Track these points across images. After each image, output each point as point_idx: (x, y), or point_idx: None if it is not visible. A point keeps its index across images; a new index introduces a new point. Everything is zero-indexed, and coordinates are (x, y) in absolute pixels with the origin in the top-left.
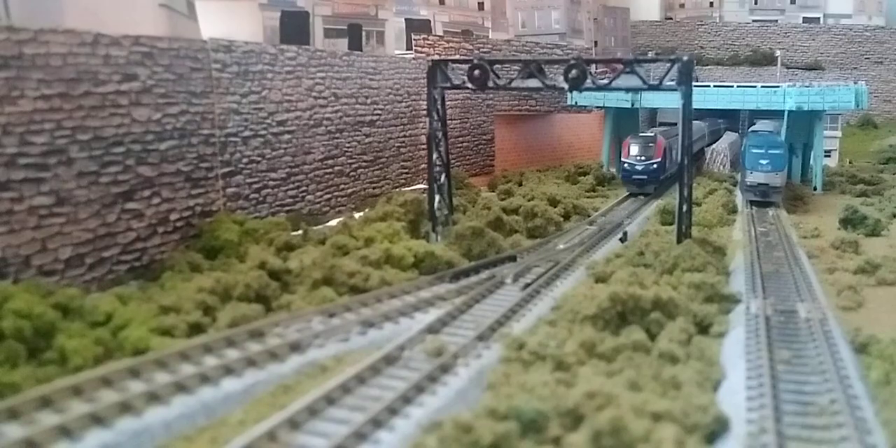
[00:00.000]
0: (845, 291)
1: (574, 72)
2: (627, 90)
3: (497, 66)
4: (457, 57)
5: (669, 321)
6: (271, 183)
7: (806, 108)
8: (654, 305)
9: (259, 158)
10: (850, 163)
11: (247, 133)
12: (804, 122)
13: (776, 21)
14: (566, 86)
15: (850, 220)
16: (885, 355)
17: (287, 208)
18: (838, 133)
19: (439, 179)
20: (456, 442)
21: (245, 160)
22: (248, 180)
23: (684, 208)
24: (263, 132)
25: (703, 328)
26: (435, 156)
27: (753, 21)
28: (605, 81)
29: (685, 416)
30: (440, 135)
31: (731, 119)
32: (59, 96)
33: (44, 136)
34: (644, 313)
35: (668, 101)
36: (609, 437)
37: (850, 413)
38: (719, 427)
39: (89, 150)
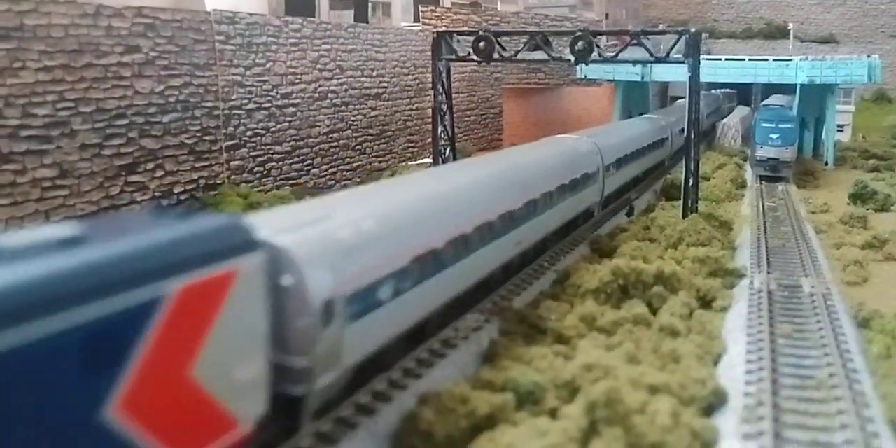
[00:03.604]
0: (851, 266)
1: (580, 44)
2: (634, 62)
3: (503, 38)
4: (462, 29)
5: (672, 295)
6: (276, 156)
7: (818, 82)
8: (657, 279)
9: (263, 131)
10: (863, 137)
11: (251, 106)
12: (817, 96)
13: None
14: (572, 58)
15: (860, 195)
16: (887, 330)
17: (292, 182)
18: (851, 107)
19: (444, 153)
20: (452, 413)
21: (249, 133)
22: (253, 153)
23: (690, 183)
24: (268, 105)
25: (706, 302)
26: (440, 129)
27: None
28: (612, 54)
29: (682, 389)
30: (445, 108)
31: (743, 93)
32: (61, 68)
33: (46, 107)
34: (646, 287)
35: (679, 75)
36: (604, 408)
37: (848, 386)
38: (717, 400)
39: (92, 122)
